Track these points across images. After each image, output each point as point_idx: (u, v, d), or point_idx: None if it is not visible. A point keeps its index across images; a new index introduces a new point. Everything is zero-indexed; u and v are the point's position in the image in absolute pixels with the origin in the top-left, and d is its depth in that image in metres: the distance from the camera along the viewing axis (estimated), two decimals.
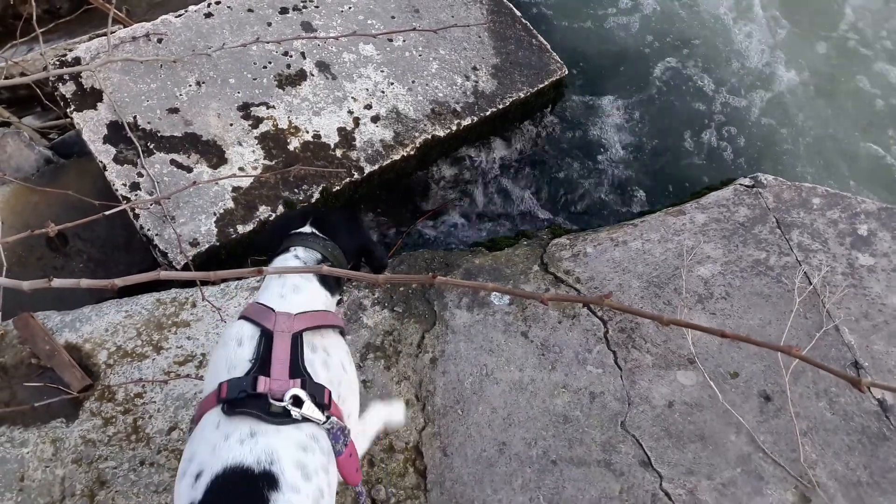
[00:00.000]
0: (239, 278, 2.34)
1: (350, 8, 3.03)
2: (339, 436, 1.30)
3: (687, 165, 3.26)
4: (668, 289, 2.37)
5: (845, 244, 2.47)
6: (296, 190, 2.54)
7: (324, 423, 1.27)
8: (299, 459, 1.18)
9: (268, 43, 2.83)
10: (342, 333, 1.50)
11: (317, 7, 3.00)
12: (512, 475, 1.98)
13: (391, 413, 1.82)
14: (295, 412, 1.22)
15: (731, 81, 3.59)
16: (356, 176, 2.64)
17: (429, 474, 1.98)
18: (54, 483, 1.92)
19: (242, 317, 1.39)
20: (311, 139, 2.67)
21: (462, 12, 3.13)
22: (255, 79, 2.76)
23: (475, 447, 2.03)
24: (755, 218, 2.55)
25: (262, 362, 1.30)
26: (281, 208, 2.50)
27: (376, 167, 2.68)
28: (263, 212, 2.47)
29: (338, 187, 2.60)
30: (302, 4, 3.00)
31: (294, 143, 2.64)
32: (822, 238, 2.49)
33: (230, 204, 2.46)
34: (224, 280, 2.31)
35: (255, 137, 2.62)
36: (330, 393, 1.31)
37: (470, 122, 2.86)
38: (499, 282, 2.39)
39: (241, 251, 2.49)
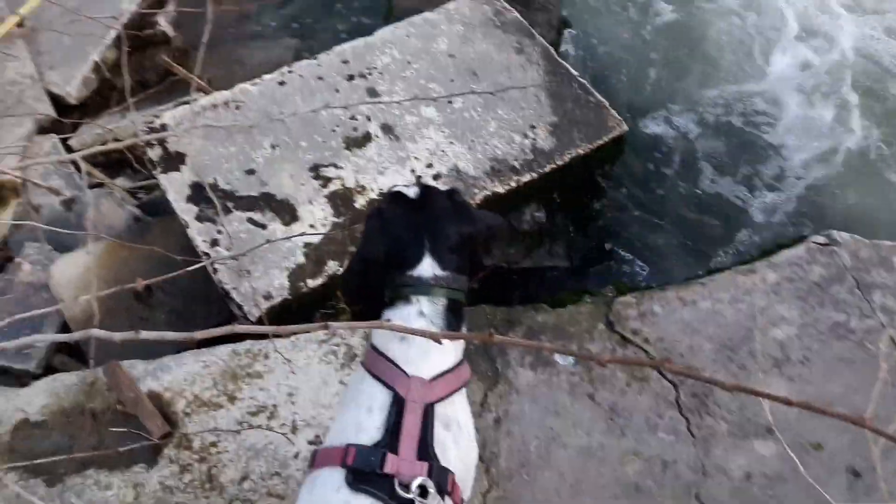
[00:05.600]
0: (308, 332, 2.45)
1: (412, 73, 3.20)
2: None
3: (754, 222, 3.22)
4: (741, 352, 2.30)
5: None
6: None
7: None
8: None
9: (336, 108, 3.01)
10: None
11: (381, 74, 3.18)
12: None
13: None
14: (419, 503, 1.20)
15: (800, 137, 3.55)
16: None
17: None
18: None
19: (372, 373, 1.34)
20: (376, 197, 2.80)
21: (519, 74, 3.25)
22: (324, 141, 2.93)
23: None
24: (831, 277, 2.46)
25: (391, 435, 1.25)
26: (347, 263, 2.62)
27: None
28: (332, 266, 2.60)
29: None
30: (367, 72, 3.19)
31: (360, 201, 2.78)
32: None
33: (301, 259, 2.60)
34: (294, 334, 2.43)
35: (325, 196, 2.78)
36: (454, 477, 1.29)
37: (529, 178, 2.94)
38: (563, 340, 2.39)
39: (311, 304, 2.62)
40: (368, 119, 3.03)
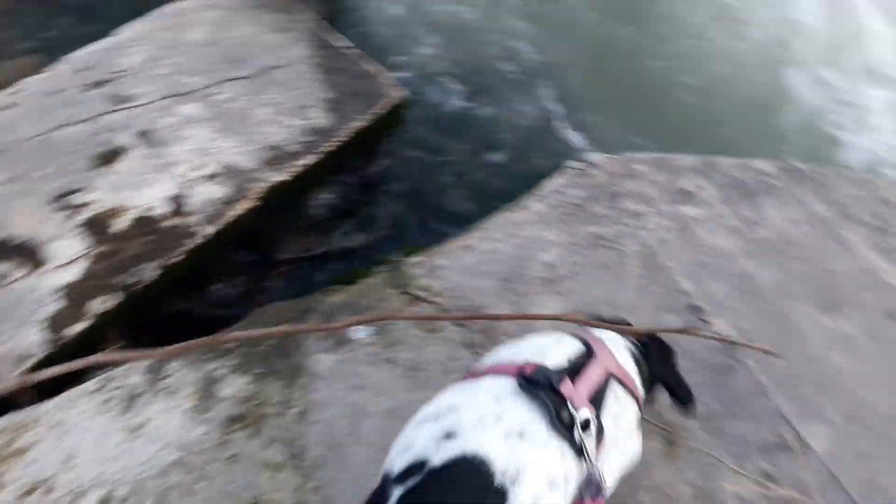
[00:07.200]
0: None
1: (165, 70, 2.92)
2: (591, 488, 1.20)
3: (526, 159, 3.32)
4: (517, 281, 2.43)
5: (673, 201, 2.67)
6: (131, 270, 2.40)
7: (591, 463, 1.20)
8: (537, 496, 1.09)
9: (79, 123, 2.68)
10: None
11: (129, 76, 2.87)
12: None
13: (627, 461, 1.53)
14: (577, 435, 1.18)
15: (546, 62, 3.70)
16: (199, 241, 2.52)
17: None
18: None
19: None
20: (141, 215, 2.53)
21: (286, 54, 3.06)
22: (68, 164, 2.59)
23: (360, 488, 1.94)
24: (589, 196, 2.70)
25: (573, 371, 1.28)
26: (120, 294, 2.35)
27: (219, 226, 2.56)
28: (96, 304, 2.29)
29: (179, 258, 2.47)
30: (112, 76, 2.87)
31: (122, 223, 2.49)
32: (650, 201, 2.67)
33: (56, 306, 2.27)
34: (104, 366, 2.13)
35: (77, 226, 2.46)
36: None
37: (312, 160, 2.79)
38: (357, 315, 2.31)
39: (86, 348, 2.32)
40: (119, 129, 2.72)
